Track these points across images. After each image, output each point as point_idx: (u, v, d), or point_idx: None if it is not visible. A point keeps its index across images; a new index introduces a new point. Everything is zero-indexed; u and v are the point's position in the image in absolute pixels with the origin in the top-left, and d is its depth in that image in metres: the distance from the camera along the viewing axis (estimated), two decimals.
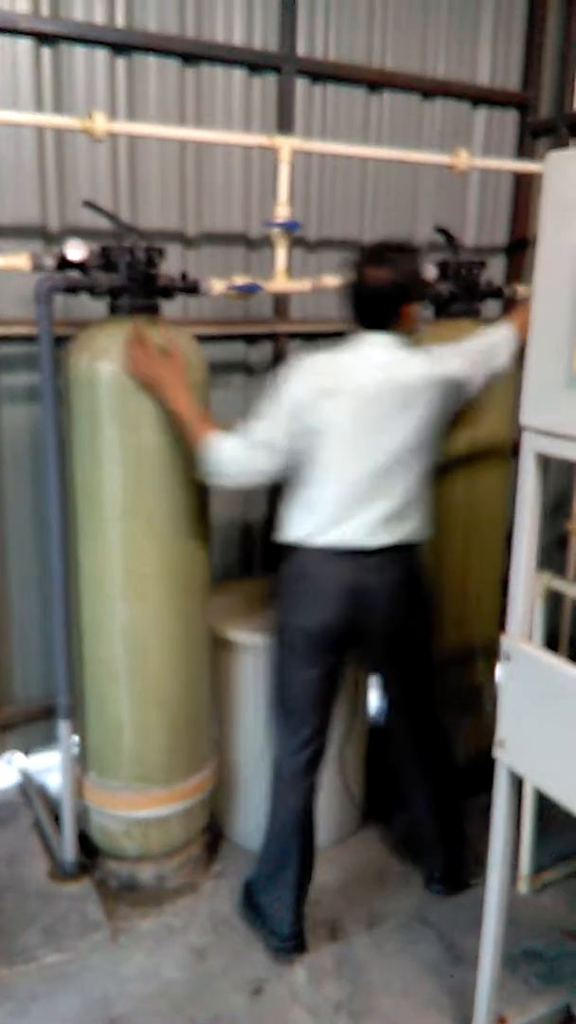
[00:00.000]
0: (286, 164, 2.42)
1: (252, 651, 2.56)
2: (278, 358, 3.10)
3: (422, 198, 3.28)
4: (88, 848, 2.53)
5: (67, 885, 2.47)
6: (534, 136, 3.39)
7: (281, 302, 3.04)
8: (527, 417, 1.56)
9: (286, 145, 2.40)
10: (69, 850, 2.49)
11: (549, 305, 1.49)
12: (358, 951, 2.31)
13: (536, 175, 3.35)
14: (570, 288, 1.43)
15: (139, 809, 2.42)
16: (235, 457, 2.07)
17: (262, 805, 2.65)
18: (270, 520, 3.20)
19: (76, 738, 2.49)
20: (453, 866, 2.51)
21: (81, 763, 2.50)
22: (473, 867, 2.51)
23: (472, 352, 2.20)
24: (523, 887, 2.51)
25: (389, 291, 2.06)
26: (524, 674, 1.64)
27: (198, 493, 2.34)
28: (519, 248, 3.52)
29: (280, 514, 2.19)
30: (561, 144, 3.26)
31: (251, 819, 2.70)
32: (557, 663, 1.57)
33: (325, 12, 2.93)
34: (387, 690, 2.42)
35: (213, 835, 2.72)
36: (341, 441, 2.05)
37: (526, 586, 1.64)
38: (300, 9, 2.86)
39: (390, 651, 2.29)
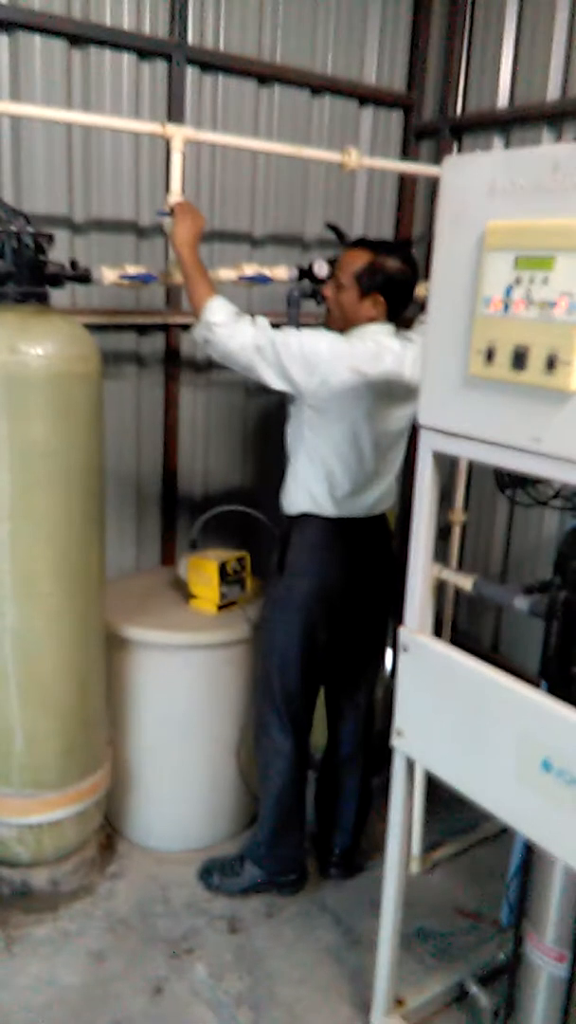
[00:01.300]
0: (179, 153, 2.37)
1: (148, 648, 2.53)
2: (169, 350, 3.06)
3: (311, 193, 3.30)
4: None
5: None
6: (418, 138, 3.47)
7: (173, 293, 2.99)
8: (424, 416, 1.61)
9: (178, 134, 2.36)
10: None
11: (445, 307, 1.54)
12: (257, 942, 2.34)
13: (420, 176, 3.44)
14: (465, 291, 1.48)
15: (32, 815, 2.35)
16: (225, 311, 2.16)
17: (158, 802, 2.64)
18: (168, 513, 3.18)
19: None
20: (351, 851, 2.57)
21: None
22: (367, 850, 2.59)
23: None
24: (414, 867, 2.59)
25: (413, 286, 2.28)
26: (421, 665, 1.70)
27: (93, 486, 2.28)
28: (402, 247, 3.59)
29: (291, 486, 2.32)
30: (443, 147, 3.34)
31: (146, 816, 2.69)
32: (453, 653, 1.63)
33: (215, 1, 2.90)
34: (336, 667, 2.47)
35: (107, 835, 2.68)
36: (361, 419, 2.20)
37: (423, 579, 1.69)
38: None
39: (361, 614, 2.41)
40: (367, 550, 2.35)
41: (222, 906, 2.46)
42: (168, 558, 3.25)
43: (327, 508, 2.27)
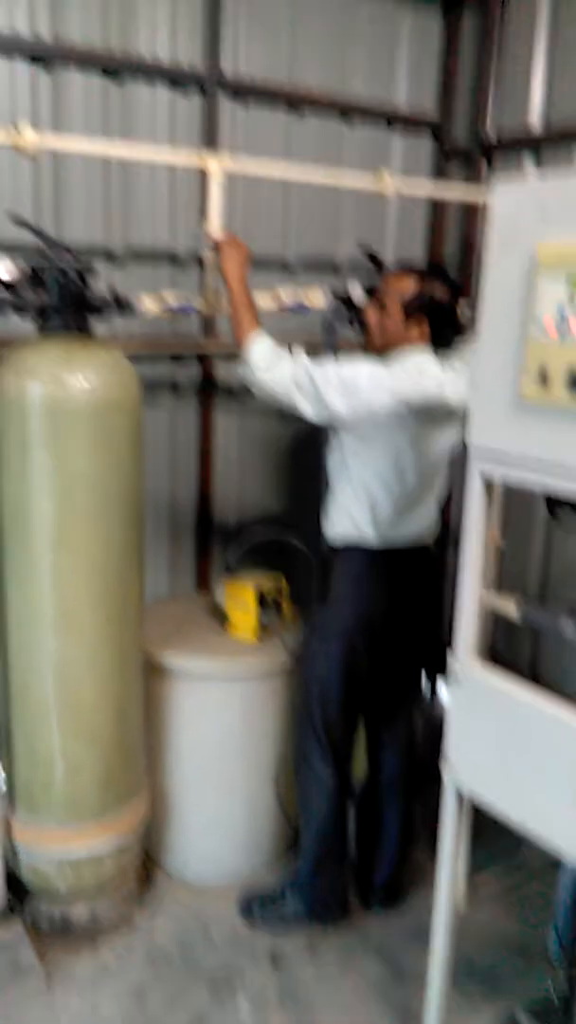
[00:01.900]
0: (218, 184, 2.39)
1: (186, 676, 2.51)
2: (205, 378, 3.07)
3: (343, 216, 3.31)
4: (17, 889, 2.41)
5: None
6: (448, 160, 3.47)
7: (209, 321, 3.00)
8: (474, 440, 1.59)
9: (217, 166, 2.38)
10: None
11: (494, 330, 1.52)
12: (300, 976, 2.29)
13: (450, 203, 3.44)
14: (516, 315, 1.46)
15: (71, 847, 2.32)
16: (264, 352, 2.17)
17: (196, 833, 2.61)
18: (202, 538, 3.17)
19: (3, 775, 2.37)
20: (393, 882, 2.52)
21: (9, 801, 2.38)
22: (410, 881, 2.54)
23: None
24: (461, 906, 2.53)
25: (452, 307, 2.30)
26: (472, 695, 1.66)
27: (133, 516, 2.27)
28: (435, 271, 3.59)
29: (334, 514, 2.32)
30: (474, 169, 3.34)
31: (185, 848, 2.65)
32: (506, 683, 1.60)
33: (248, 30, 2.93)
34: (376, 696, 2.43)
35: (146, 867, 2.64)
36: (403, 445, 2.21)
37: (473, 607, 1.66)
38: (223, 26, 2.85)
39: (403, 644, 2.39)
40: (410, 581, 2.34)
41: (264, 940, 2.42)
42: (203, 583, 3.23)
43: (370, 536, 2.26)
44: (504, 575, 3.41)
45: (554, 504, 1.72)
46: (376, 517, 2.25)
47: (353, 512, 2.26)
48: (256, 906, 2.48)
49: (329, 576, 2.31)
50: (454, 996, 2.15)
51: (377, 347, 2.31)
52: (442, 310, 2.25)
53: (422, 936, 2.39)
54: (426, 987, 1.90)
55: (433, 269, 2.32)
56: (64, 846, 2.32)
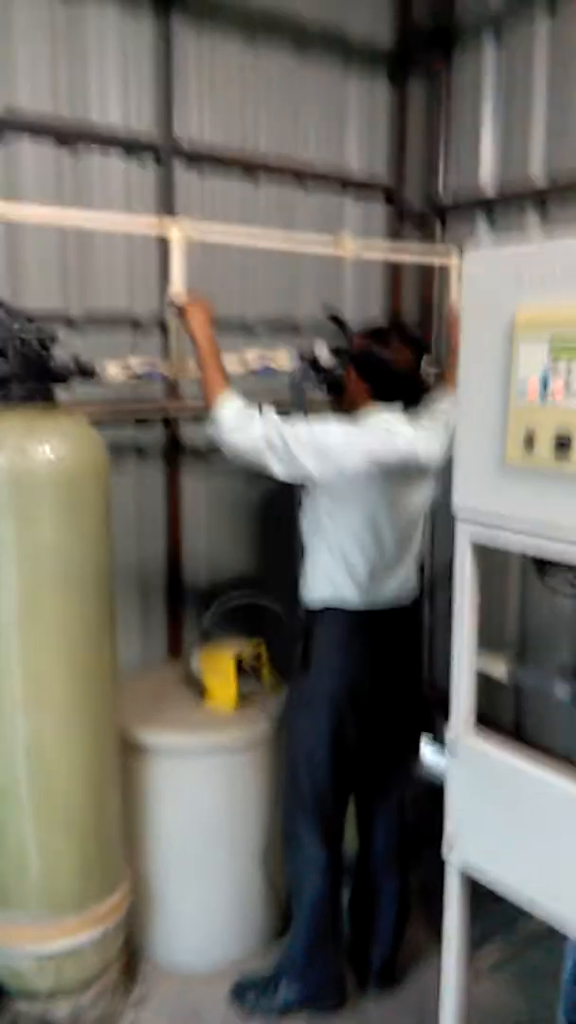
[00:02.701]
0: (179, 249, 2.38)
1: (164, 752, 2.42)
2: (169, 440, 3.02)
3: (303, 279, 3.33)
4: None
5: None
6: (402, 221, 3.53)
7: (173, 384, 2.97)
8: (460, 506, 1.56)
9: (177, 231, 2.37)
10: None
11: (475, 396, 1.50)
12: None
13: (406, 263, 3.49)
14: (496, 379, 1.45)
15: (50, 942, 2.19)
16: (235, 412, 2.13)
17: (182, 918, 2.49)
18: (173, 604, 3.09)
19: None
20: (390, 962, 2.42)
21: None
22: (406, 959, 2.44)
23: (446, 424, 2.36)
24: None
25: (416, 369, 2.28)
26: (472, 768, 1.61)
27: (104, 587, 2.20)
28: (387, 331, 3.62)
29: (311, 577, 2.26)
30: (428, 230, 3.40)
31: (170, 934, 2.53)
32: (508, 755, 1.55)
33: (200, 98, 2.95)
34: (366, 767, 2.36)
35: (130, 957, 2.50)
36: (379, 504, 2.18)
37: (468, 675, 1.62)
38: (176, 94, 2.87)
39: (389, 710, 2.32)
40: (393, 643, 2.28)
41: None
42: (175, 650, 3.15)
43: (350, 598, 2.21)
44: (481, 634, 3.39)
45: (542, 565, 1.70)
46: (355, 579, 2.20)
47: (332, 575, 2.21)
48: (249, 994, 2.36)
49: (309, 640, 2.25)
50: None
51: (346, 406, 2.31)
52: (381, 368, 2.24)
53: (425, 1018, 2.31)
54: None
55: (393, 328, 2.32)
56: (42, 942, 2.19)
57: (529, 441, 1.39)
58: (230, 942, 2.56)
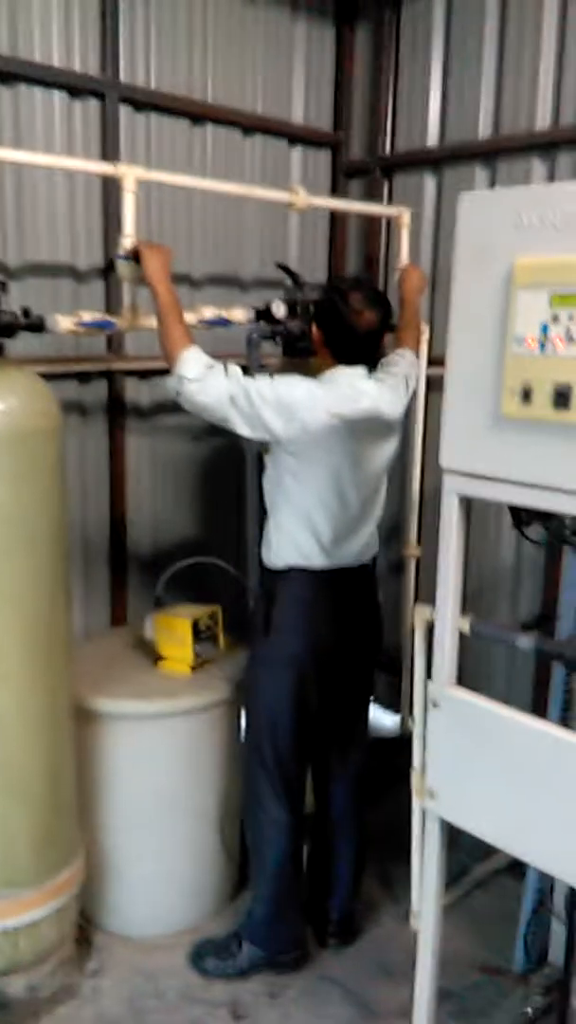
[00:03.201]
0: (131, 194, 2.26)
1: (120, 719, 2.35)
2: (114, 397, 2.91)
3: (246, 233, 3.24)
4: None
5: None
6: (348, 176, 3.47)
7: (115, 338, 2.85)
8: (448, 460, 1.54)
9: (130, 174, 2.25)
10: None
11: (466, 347, 1.48)
12: None
13: (351, 214, 3.43)
14: (490, 332, 1.43)
15: (7, 917, 2.11)
16: (198, 365, 2.04)
17: (136, 885, 2.45)
18: (117, 569, 2.99)
19: None
20: (348, 916, 2.44)
21: None
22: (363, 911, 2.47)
23: (405, 380, 2.39)
24: (415, 924, 2.48)
25: (380, 331, 2.19)
26: (454, 720, 1.61)
27: (60, 550, 2.10)
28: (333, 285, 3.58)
29: (274, 539, 2.20)
30: (373, 185, 3.35)
31: (124, 902, 2.49)
32: (491, 705, 1.56)
33: (145, 40, 2.81)
34: (326, 726, 2.34)
35: (83, 928, 2.45)
36: (343, 463, 2.13)
37: (452, 630, 1.61)
38: (121, 35, 2.73)
39: (349, 669, 2.30)
40: (355, 602, 2.27)
41: (220, 991, 2.28)
42: (119, 618, 3.06)
43: (315, 558, 2.18)
44: (424, 585, 3.43)
45: (520, 517, 1.71)
46: (320, 541, 2.17)
47: (296, 537, 2.17)
48: (208, 958, 2.34)
49: (271, 602, 2.20)
50: None
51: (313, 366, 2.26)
52: (345, 332, 2.16)
53: (385, 970, 2.35)
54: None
55: (358, 284, 2.26)
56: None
57: (526, 393, 1.38)
58: (185, 907, 2.53)
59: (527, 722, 1.50)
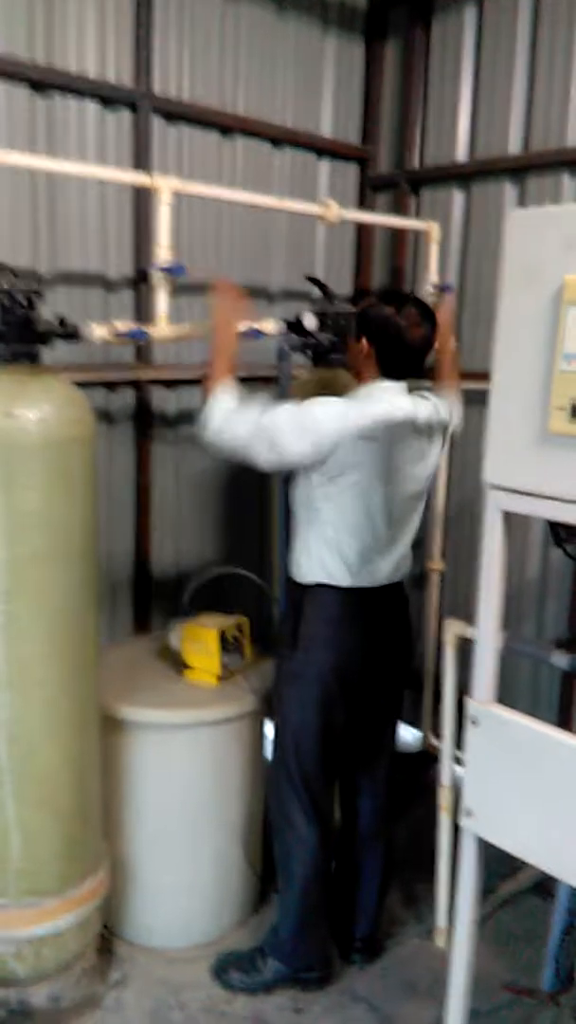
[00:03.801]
0: (166, 206, 2.27)
1: (146, 729, 2.35)
2: (141, 406, 2.92)
3: (274, 245, 3.25)
4: None
5: None
6: (374, 190, 3.48)
7: (143, 347, 2.86)
8: (492, 475, 1.53)
9: (166, 186, 2.26)
10: None
11: (513, 364, 1.48)
12: None
13: (375, 227, 3.44)
14: (538, 347, 1.43)
15: (31, 926, 2.10)
16: (224, 416, 2.05)
17: (159, 896, 2.45)
18: (141, 579, 2.99)
19: None
20: (373, 932, 2.42)
21: None
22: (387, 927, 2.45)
23: (454, 406, 2.35)
24: (440, 941, 2.47)
25: (428, 348, 2.15)
26: (494, 738, 1.60)
27: (90, 558, 2.10)
28: (362, 298, 3.58)
29: (302, 556, 2.17)
30: (400, 199, 3.36)
31: (147, 913, 2.48)
32: (533, 724, 1.54)
33: (178, 52, 2.83)
34: (353, 742, 2.30)
35: (104, 938, 2.44)
36: (374, 484, 2.08)
37: (493, 647, 1.60)
38: (155, 46, 2.75)
39: (378, 687, 2.27)
40: (385, 620, 2.22)
41: (243, 1005, 2.27)
42: (142, 626, 3.06)
43: (342, 579, 2.13)
44: (448, 600, 3.42)
45: (559, 534, 1.71)
46: (347, 563, 2.12)
47: (324, 557, 2.13)
48: (232, 971, 2.33)
49: (298, 616, 2.17)
50: None
51: (353, 375, 2.23)
52: (386, 331, 2.10)
53: (410, 987, 2.34)
54: None
55: (408, 298, 2.21)
56: (22, 927, 2.10)
57: (575, 410, 1.37)
58: (208, 919, 2.52)
59: (569, 741, 1.49)
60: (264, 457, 2.03)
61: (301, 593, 2.19)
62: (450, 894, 2.42)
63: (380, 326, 2.12)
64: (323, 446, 2.01)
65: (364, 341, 2.13)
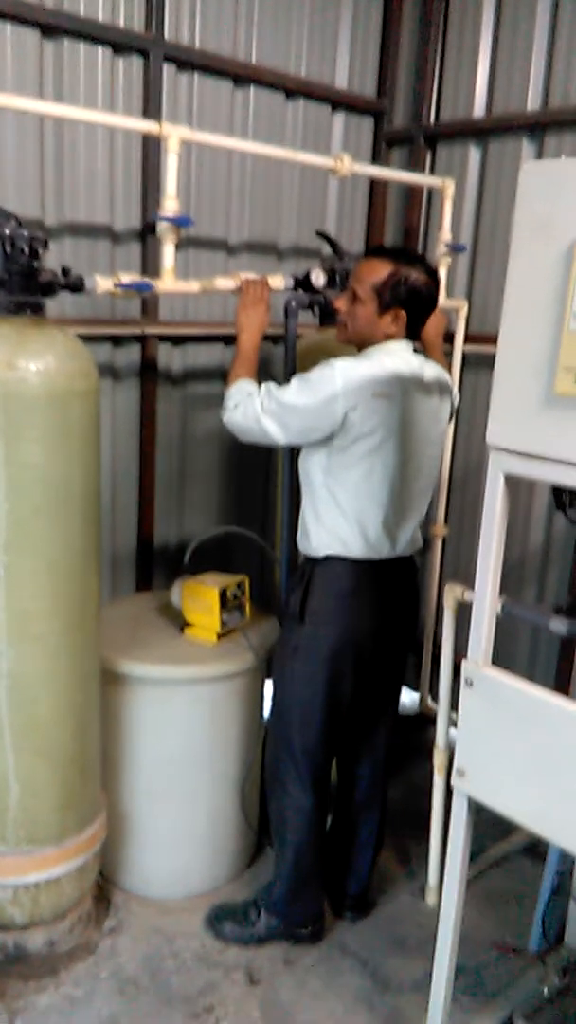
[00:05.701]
0: (174, 154, 2.22)
1: (146, 683, 2.36)
2: (146, 362, 2.89)
3: (285, 199, 3.19)
4: None
5: None
6: (389, 145, 3.41)
7: (150, 302, 2.83)
8: (496, 437, 1.52)
9: (175, 134, 2.21)
10: None
11: (521, 322, 1.45)
12: (281, 994, 2.19)
13: (389, 184, 3.38)
14: (548, 305, 1.40)
15: (29, 873, 2.14)
16: (237, 400, 2.09)
17: (156, 847, 2.48)
18: (143, 535, 2.99)
19: None
20: (365, 889, 2.45)
21: None
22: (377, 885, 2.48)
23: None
24: (431, 899, 2.50)
25: (435, 300, 2.13)
26: (488, 700, 1.60)
27: (92, 513, 2.10)
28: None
29: (312, 527, 2.13)
30: (415, 154, 3.29)
31: (143, 863, 2.52)
32: (527, 686, 1.54)
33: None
34: (355, 712, 2.28)
35: (102, 886, 2.48)
36: (393, 446, 2.05)
37: (490, 611, 1.60)
38: None
39: (385, 658, 2.25)
40: (395, 594, 2.18)
41: (236, 956, 2.31)
42: (144, 584, 3.07)
43: (356, 550, 2.08)
44: (450, 565, 3.42)
45: (561, 498, 1.69)
46: (365, 533, 2.08)
47: (339, 528, 2.09)
48: (226, 923, 2.36)
49: (307, 589, 2.12)
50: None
51: (353, 340, 2.14)
52: (421, 299, 2.07)
53: (399, 943, 2.37)
54: (429, 1001, 1.84)
55: (409, 254, 2.13)
56: (19, 873, 2.14)
57: None
58: (203, 871, 2.55)
59: (563, 704, 1.49)
60: (278, 436, 2.05)
61: (311, 566, 2.14)
62: (442, 853, 2.45)
63: (416, 294, 2.07)
64: (336, 409, 1.97)
65: (399, 310, 2.06)
